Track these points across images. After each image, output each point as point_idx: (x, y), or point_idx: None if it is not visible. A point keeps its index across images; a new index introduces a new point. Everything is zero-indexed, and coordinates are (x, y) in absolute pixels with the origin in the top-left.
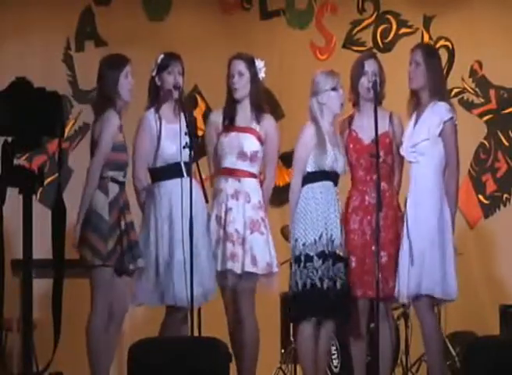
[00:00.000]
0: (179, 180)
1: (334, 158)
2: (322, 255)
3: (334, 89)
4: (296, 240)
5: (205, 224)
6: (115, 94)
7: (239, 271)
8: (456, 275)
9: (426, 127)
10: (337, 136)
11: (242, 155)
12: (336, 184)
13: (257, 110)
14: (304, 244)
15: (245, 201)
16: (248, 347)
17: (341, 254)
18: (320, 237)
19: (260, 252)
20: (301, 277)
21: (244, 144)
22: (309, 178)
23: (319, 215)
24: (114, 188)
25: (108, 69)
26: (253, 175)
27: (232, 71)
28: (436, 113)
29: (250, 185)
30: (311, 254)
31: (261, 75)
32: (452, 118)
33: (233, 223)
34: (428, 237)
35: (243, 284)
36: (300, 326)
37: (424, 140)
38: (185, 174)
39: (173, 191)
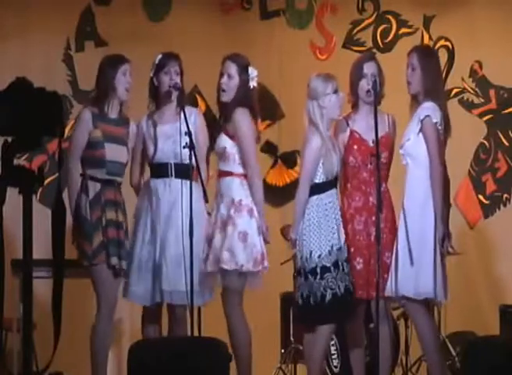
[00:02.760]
0: (163, 179)
1: (336, 164)
2: (337, 265)
3: (336, 92)
4: (310, 252)
5: (200, 224)
6: (111, 90)
7: (204, 270)
8: (444, 276)
9: (409, 128)
10: (333, 139)
11: (217, 155)
12: (336, 188)
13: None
14: (319, 256)
15: (220, 201)
16: (237, 345)
17: (346, 258)
18: (332, 247)
19: (220, 251)
20: (319, 289)
21: (217, 145)
22: (317, 189)
23: (330, 225)
24: (94, 186)
25: (106, 66)
26: (227, 173)
27: (223, 71)
28: (417, 113)
29: (224, 183)
30: (328, 265)
31: (253, 84)
32: (428, 116)
33: (211, 225)
34: (414, 239)
35: (213, 283)
36: (321, 329)
37: (407, 140)
38: (170, 175)
39: (159, 189)
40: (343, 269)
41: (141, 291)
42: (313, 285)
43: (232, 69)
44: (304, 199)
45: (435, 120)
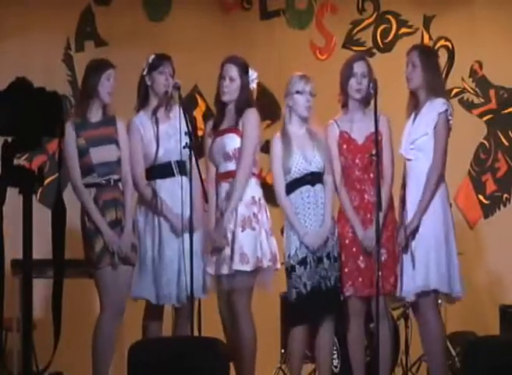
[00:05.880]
0: (172, 179)
1: (303, 161)
2: (304, 262)
3: (298, 92)
4: (284, 253)
5: (201, 222)
6: (94, 94)
7: (226, 272)
8: (460, 271)
9: (424, 123)
10: (315, 133)
11: (226, 156)
12: (314, 184)
13: (241, 110)
14: (289, 256)
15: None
16: (244, 346)
17: (326, 252)
18: (300, 245)
19: (250, 249)
20: (289, 288)
21: (226, 145)
22: (286, 190)
23: (299, 224)
24: (89, 192)
25: (91, 71)
26: None
27: (224, 74)
28: (433, 108)
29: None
30: (294, 263)
31: (253, 85)
32: (446, 110)
33: (225, 223)
34: (433, 234)
35: (235, 284)
36: (292, 331)
37: (422, 135)
38: (176, 173)
39: (167, 190)
40: (311, 267)
41: (167, 291)
42: (287, 285)
43: (234, 71)
44: (285, 203)
45: (450, 117)
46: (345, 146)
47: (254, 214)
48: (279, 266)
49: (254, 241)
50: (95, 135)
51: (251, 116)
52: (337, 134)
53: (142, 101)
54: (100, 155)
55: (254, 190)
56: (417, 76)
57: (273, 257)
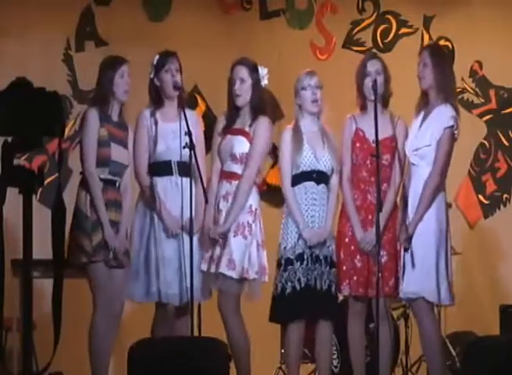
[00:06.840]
0: (169, 177)
1: (313, 157)
2: (300, 258)
3: (303, 88)
4: (279, 244)
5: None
6: (110, 93)
7: (213, 271)
8: (451, 279)
9: (430, 133)
10: (328, 134)
11: (233, 157)
12: (319, 183)
13: (255, 114)
14: (285, 248)
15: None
16: (235, 347)
17: (324, 255)
18: (298, 239)
19: (238, 256)
20: (280, 281)
21: (234, 146)
22: (292, 181)
23: (300, 215)
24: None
25: (104, 69)
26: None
27: (235, 77)
28: (441, 119)
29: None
30: (292, 257)
31: (264, 82)
32: (452, 126)
33: (220, 226)
34: (425, 241)
35: (220, 285)
36: (288, 329)
37: (426, 146)
38: (175, 173)
39: (162, 187)
40: (308, 264)
41: (169, 290)
42: (277, 277)
43: (244, 72)
44: (290, 193)
45: (456, 131)
46: (358, 144)
47: (248, 223)
48: (266, 279)
49: (244, 250)
50: (115, 133)
51: (263, 126)
52: (353, 130)
53: (154, 103)
54: (117, 153)
55: (252, 199)
56: (428, 76)
57: (261, 270)
